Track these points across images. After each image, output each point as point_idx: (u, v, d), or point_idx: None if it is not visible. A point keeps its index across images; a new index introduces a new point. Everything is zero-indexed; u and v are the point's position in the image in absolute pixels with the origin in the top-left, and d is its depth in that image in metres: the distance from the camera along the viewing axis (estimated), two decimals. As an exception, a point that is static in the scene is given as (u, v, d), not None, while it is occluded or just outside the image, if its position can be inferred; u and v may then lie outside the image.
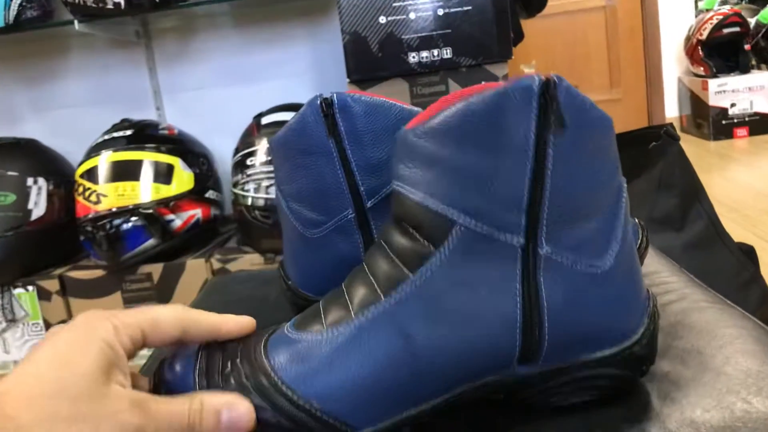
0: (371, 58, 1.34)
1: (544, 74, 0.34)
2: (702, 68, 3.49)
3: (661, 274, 0.61)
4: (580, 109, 0.34)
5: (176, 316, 0.38)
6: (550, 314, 0.36)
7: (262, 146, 1.53)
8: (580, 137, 0.34)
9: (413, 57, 1.35)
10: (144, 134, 1.60)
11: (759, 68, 3.53)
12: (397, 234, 0.38)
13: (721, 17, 3.40)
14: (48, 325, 1.62)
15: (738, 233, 1.40)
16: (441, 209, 0.35)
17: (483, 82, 1.53)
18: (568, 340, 0.37)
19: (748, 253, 1.18)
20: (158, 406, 0.34)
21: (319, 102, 0.47)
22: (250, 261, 1.52)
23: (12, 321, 1.63)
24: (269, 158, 1.49)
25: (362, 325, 0.36)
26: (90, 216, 1.49)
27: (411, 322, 0.36)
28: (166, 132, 1.65)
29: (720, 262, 1.13)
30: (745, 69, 3.42)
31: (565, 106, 0.33)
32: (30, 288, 1.60)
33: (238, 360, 0.37)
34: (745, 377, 0.41)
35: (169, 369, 0.38)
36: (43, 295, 1.60)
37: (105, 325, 0.35)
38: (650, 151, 1.16)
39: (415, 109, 0.49)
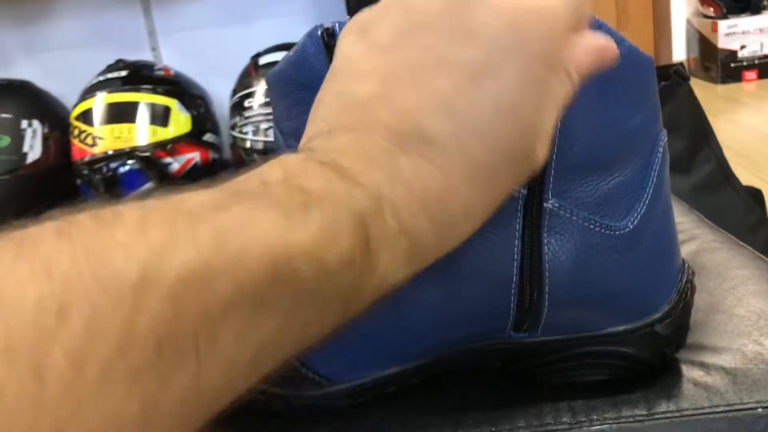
0: (372, -6, 1.29)
1: None
2: (712, 9, 3.40)
3: (669, 215, 0.59)
4: None
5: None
6: (551, 278, 0.31)
7: (260, 87, 1.50)
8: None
9: (415, -7, 1.30)
10: (139, 75, 1.56)
11: (771, 9, 3.44)
12: None
13: (733, -45, 3.30)
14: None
15: (745, 177, 1.38)
16: None
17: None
18: (573, 309, 0.33)
19: (755, 196, 1.16)
20: None
21: (320, 33, 0.45)
22: (249, 205, 1.50)
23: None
24: (267, 100, 1.46)
25: None
26: (86, 159, 1.47)
27: None
28: (162, 73, 1.61)
29: (728, 205, 1.11)
30: (756, 9, 3.33)
31: None
32: (28, 232, 1.59)
33: None
34: (757, 318, 0.39)
35: None
36: (42, 239, 1.59)
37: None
38: (659, 92, 1.13)
39: None
